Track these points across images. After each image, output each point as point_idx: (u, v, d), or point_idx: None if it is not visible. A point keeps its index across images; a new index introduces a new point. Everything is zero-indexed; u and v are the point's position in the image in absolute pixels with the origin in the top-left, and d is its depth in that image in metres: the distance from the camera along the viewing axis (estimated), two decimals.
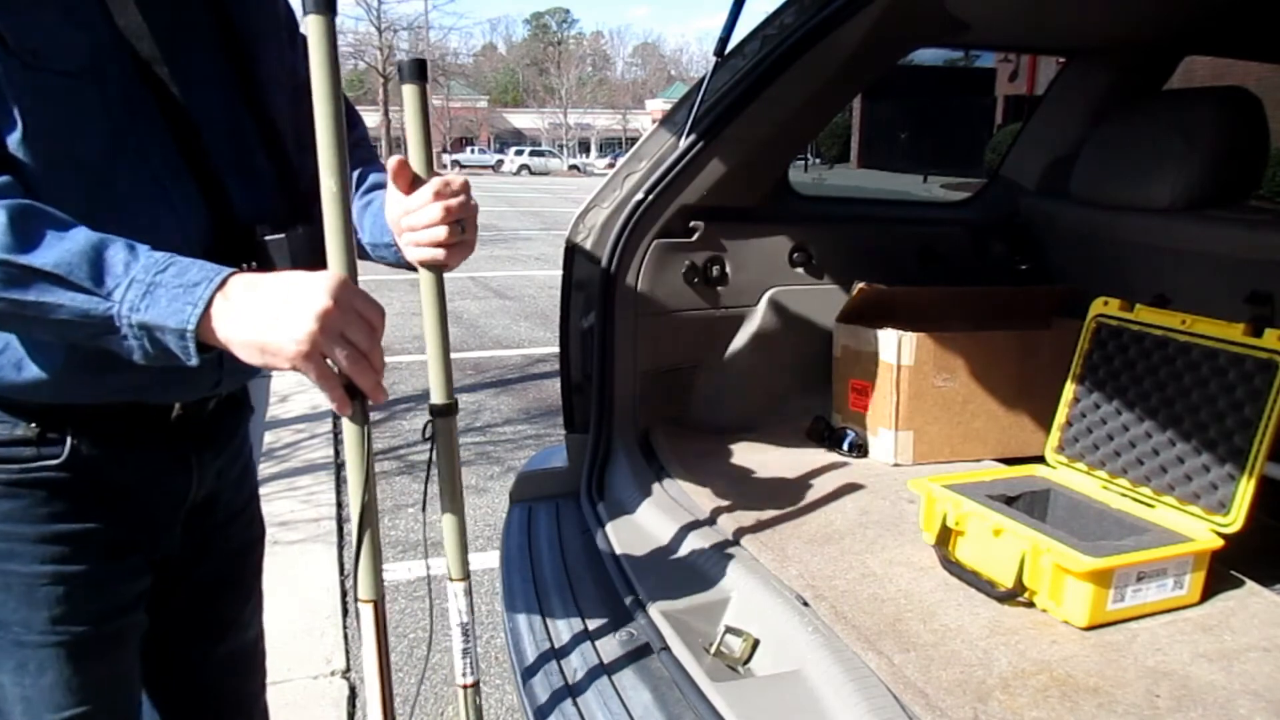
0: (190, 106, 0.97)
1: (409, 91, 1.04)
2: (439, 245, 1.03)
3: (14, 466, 0.96)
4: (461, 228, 1.03)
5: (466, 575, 1.19)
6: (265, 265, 0.98)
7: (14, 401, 0.95)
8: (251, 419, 1.26)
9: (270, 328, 0.82)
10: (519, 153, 45.86)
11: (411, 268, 1.10)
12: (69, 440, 0.98)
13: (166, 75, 0.95)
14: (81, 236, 0.83)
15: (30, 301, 0.82)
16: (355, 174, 1.14)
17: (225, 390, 1.11)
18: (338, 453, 4.15)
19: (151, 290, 0.82)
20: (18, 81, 0.86)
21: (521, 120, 62.65)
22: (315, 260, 0.99)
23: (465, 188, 1.04)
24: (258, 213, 1.02)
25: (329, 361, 0.84)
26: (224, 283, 0.84)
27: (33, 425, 0.96)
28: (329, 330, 0.82)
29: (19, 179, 0.86)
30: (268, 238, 0.99)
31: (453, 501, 1.14)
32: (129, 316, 0.82)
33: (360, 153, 1.20)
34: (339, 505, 3.56)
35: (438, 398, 1.15)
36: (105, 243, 0.84)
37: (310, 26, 0.87)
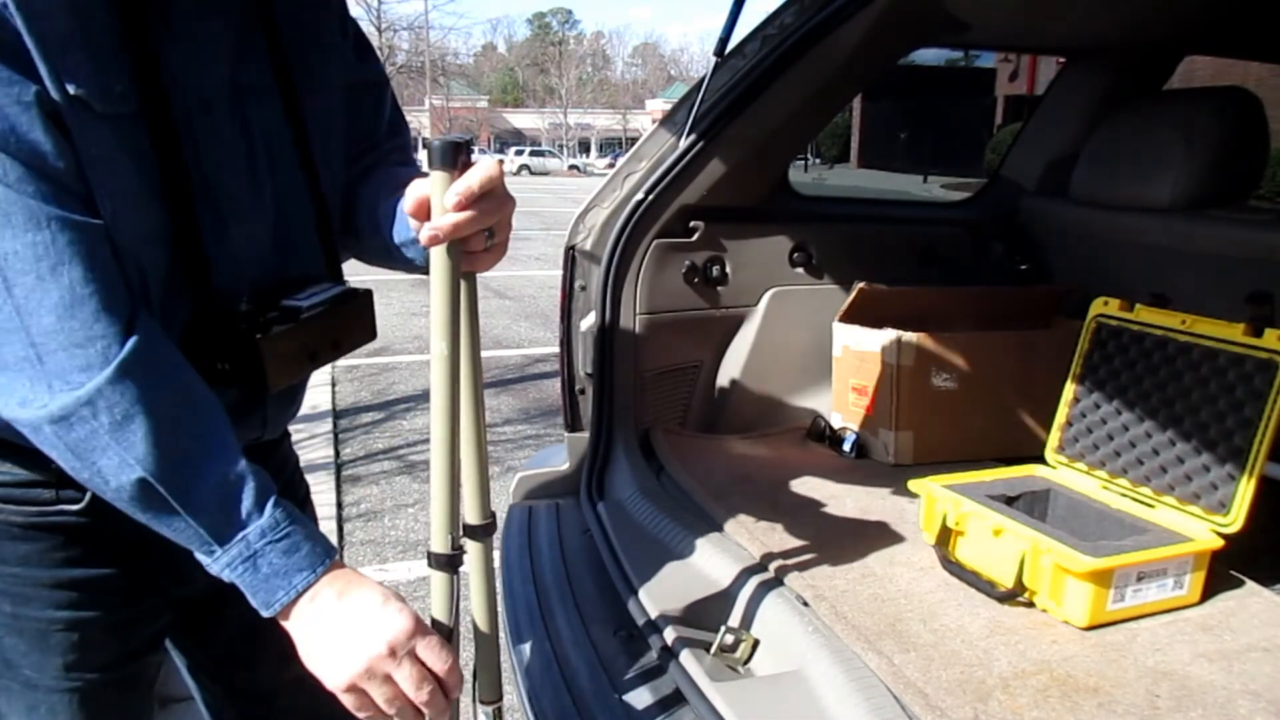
0: (219, 133, 0.89)
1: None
2: (466, 251, 0.92)
3: (31, 509, 0.92)
4: (490, 233, 0.91)
5: (499, 697, 1.11)
6: (239, 363, 0.89)
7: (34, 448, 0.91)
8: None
9: (326, 650, 0.83)
10: (519, 153, 45.81)
11: None
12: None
13: (195, 105, 0.87)
14: (220, 467, 0.81)
15: (144, 516, 0.82)
16: (390, 172, 1.06)
17: (268, 438, 1.07)
18: (338, 453, 4.15)
19: (255, 558, 0.82)
20: (102, 142, 0.79)
21: (521, 120, 62.66)
22: (311, 350, 0.92)
23: (497, 184, 0.88)
24: (278, 269, 0.95)
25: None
26: (320, 576, 0.83)
27: (53, 468, 0.89)
28: (374, 674, 0.82)
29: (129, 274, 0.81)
30: (258, 336, 0.88)
31: (487, 624, 1.07)
32: (223, 569, 0.82)
33: (399, 156, 1.13)
34: (339, 505, 3.56)
35: (473, 516, 1.04)
36: (241, 480, 0.82)
37: (434, 182, 0.84)
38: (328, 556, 0.84)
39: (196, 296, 0.88)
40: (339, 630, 0.83)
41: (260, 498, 0.83)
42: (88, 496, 0.93)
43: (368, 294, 0.97)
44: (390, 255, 1.05)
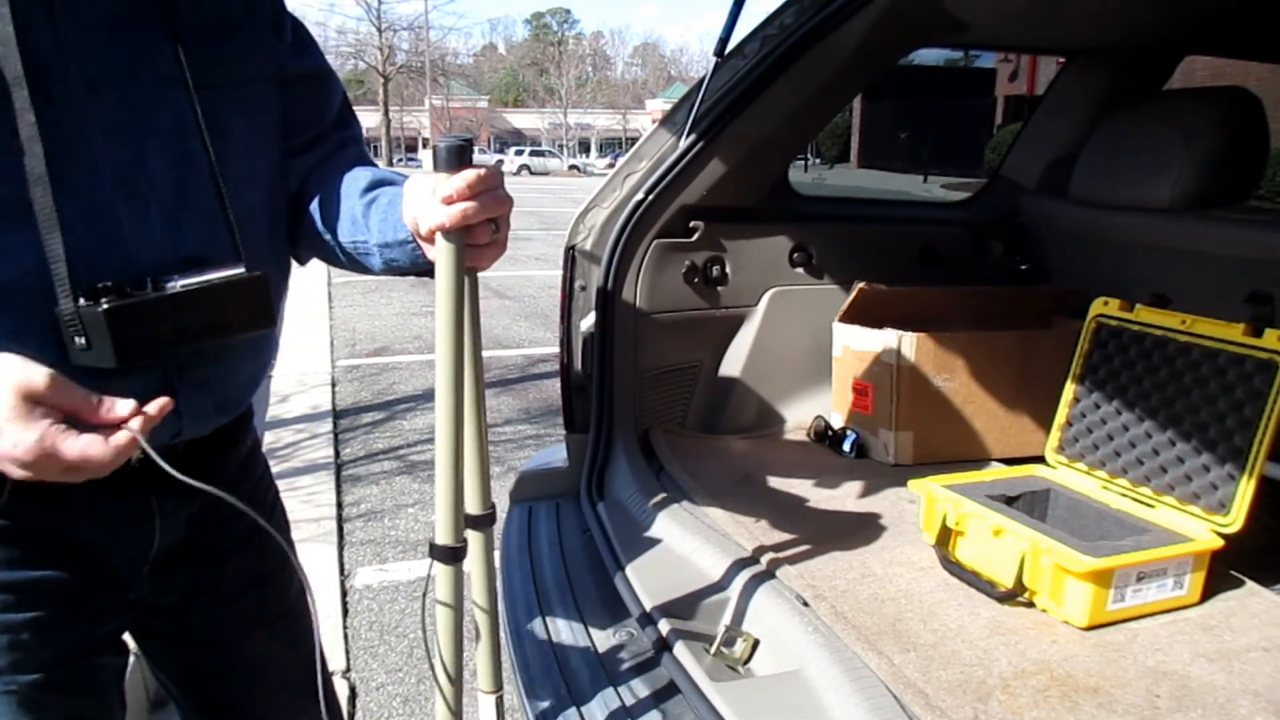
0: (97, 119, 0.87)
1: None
2: (470, 245, 0.93)
3: None
4: (495, 226, 0.93)
5: (499, 687, 1.11)
6: (90, 336, 0.85)
7: None
8: (250, 443, 1.16)
9: None
10: (519, 153, 45.76)
11: (427, 272, 0.99)
12: (7, 487, 0.89)
13: (80, 83, 0.85)
14: None
15: None
16: (353, 173, 1.06)
17: (189, 437, 1.01)
18: (338, 453, 4.15)
19: None
20: None
21: (521, 120, 62.64)
22: (182, 329, 0.89)
23: (499, 180, 0.92)
24: (165, 250, 0.92)
25: None
26: None
27: None
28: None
29: None
30: (80, 304, 0.84)
31: (488, 615, 1.07)
32: None
33: (355, 150, 1.13)
34: (339, 505, 3.56)
35: (474, 506, 1.03)
36: None
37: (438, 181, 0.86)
38: None
39: (42, 267, 0.84)
40: None
41: None
42: (4, 497, 0.90)
43: (259, 279, 0.94)
44: (358, 257, 1.05)
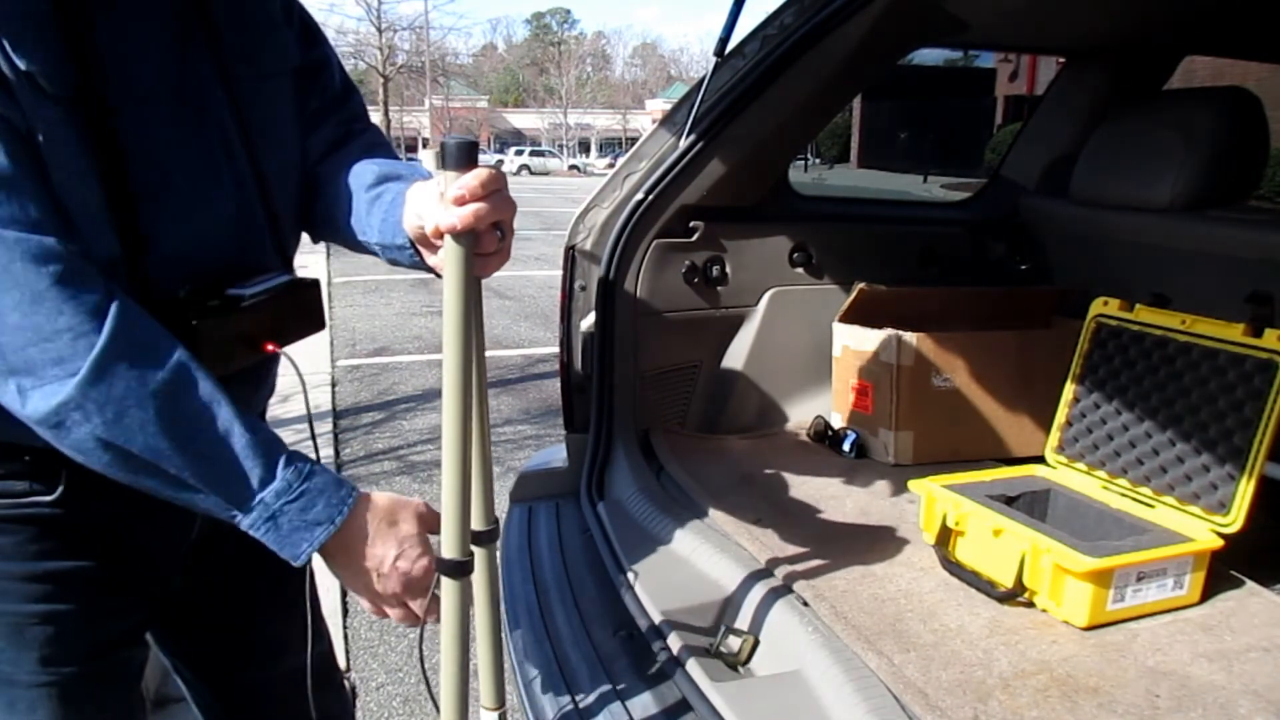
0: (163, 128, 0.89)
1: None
2: (475, 254, 0.90)
3: (5, 502, 0.92)
4: (500, 233, 0.90)
5: (501, 703, 1.10)
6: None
7: (6, 440, 0.90)
8: None
9: (356, 585, 0.94)
10: (519, 153, 45.75)
11: (429, 270, 0.99)
12: (64, 477, 0.93)
13: (145, 96, 0.87)
14: (225, 438, 0.83)
15: (165, 495, 0.84)
16: (361, 165, 1.05)
17: None
18: (338, 453, 4.15)
19: (276, 518, 0.85)
20: (49, 118, 0.79)
21: (521, 120, 62.65)
22: (250, 338, 0.92)
23: (502, 184, 0.88)
24: (223, 257, 0.94)
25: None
26: (340, 527, 0.88)
27: (26, 459, 0.91)
28: (389, 607, 0.95)
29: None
30: (194, 323, 0.88)
31: (491, 630, 1.07)
32: (248, 529, 0.86)
33: (359, 125, 1.12)
34: None
35: (478, 522, 1.02)
36: (250, 446, 0.84)
37: (447, 180, 0.84)
38: (345, 505, 0.88)
39: (135, 282, 0.86)
40: (362, 572, 0.92)
41: (269, 460, 0.85)
42: (60, 488, 0.93)
43: (314, 284, 0.95)
44: (365, 247, 1.05)
